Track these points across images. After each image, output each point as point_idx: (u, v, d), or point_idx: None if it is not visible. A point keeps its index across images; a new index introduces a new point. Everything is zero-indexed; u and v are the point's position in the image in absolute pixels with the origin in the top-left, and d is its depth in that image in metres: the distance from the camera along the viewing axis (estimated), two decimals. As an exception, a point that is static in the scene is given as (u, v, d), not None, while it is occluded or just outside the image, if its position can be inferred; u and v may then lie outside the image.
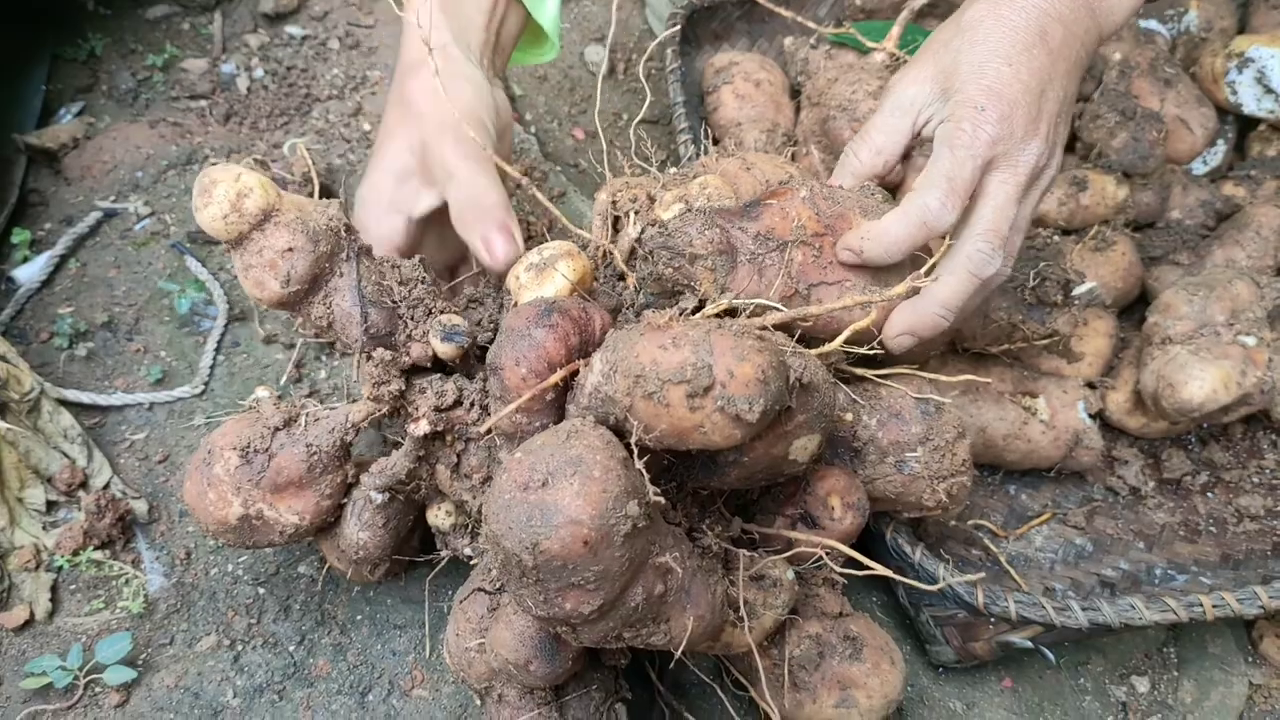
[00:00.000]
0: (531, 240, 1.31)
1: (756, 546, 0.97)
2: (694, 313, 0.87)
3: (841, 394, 1.00)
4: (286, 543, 1.01)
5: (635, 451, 0.74)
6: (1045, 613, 1.09)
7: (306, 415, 1.00)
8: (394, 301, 0.97)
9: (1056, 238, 1.45)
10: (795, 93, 1.62)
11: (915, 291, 0.90)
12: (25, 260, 1.42)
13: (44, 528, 1.17)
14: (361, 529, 1.03)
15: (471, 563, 1.04)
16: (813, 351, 0.84)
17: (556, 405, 0.85)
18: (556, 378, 0.82)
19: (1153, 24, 1.73)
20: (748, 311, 0.87)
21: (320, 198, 0.98)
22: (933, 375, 1.02)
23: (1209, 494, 1.38)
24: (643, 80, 1.49)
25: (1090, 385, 1.36)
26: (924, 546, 1.12)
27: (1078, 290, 1.25)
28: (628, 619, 0.78)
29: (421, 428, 0.96)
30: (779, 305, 0.87)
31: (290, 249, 0.91)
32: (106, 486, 1.21)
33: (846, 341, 0.86)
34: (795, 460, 0.85)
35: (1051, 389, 1.30)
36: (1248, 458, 1.40)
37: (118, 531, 1.17)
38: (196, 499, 0.98)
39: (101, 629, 1.11)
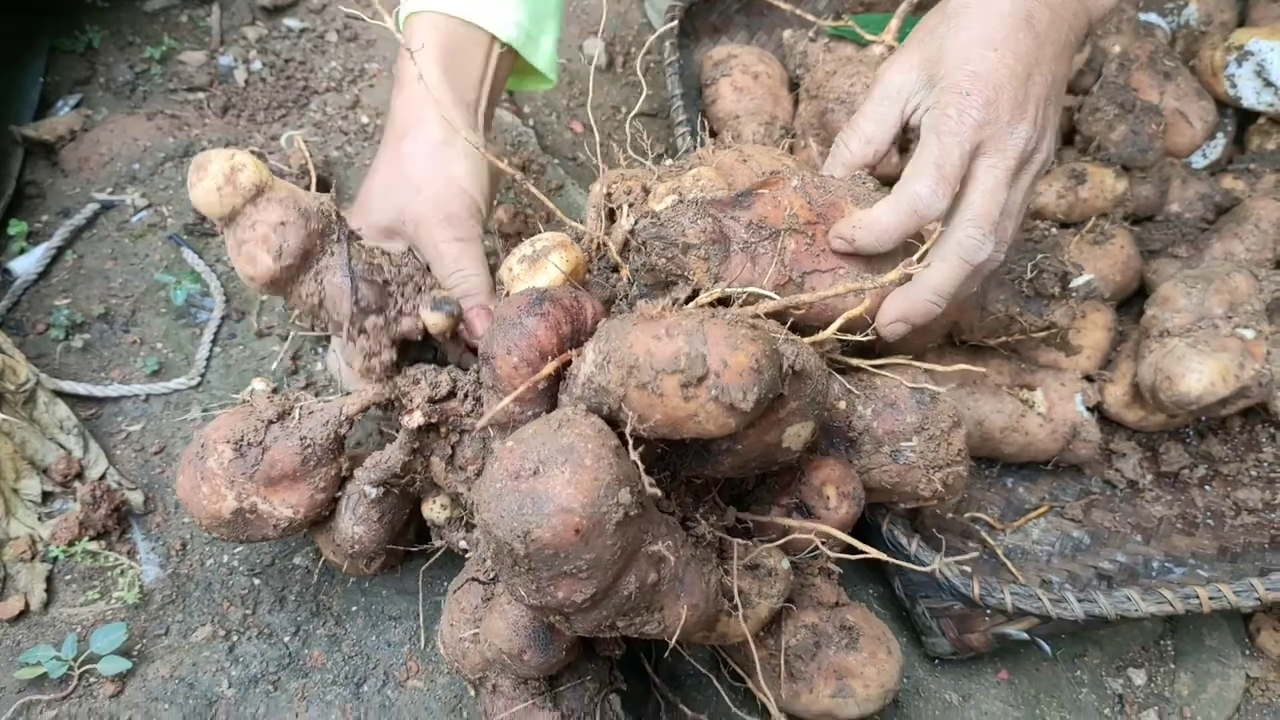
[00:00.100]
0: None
1: (751, 536, 0.97)
2: (687, 302, 0.87)
3: (836, 383, 1.00)
4: (281, 536, 1.01)
5: (630, 441, 0.74)
6: (1041, 604, 1.09)
7: (300, 408, 1.00)
8: (384, 280, 0.97)
9: (1055, 230, 1.45)
10: (794, 86, 1.62)
11: (908, 278, 0.89)
12: (22, 252, 1.42)
13: (39, 518, 1.17)
14: (356, 523, 1.02)
15: (466, 555, 1.04)
16: (806, 340, 0.84)
17: (549, 395, 0.85)
18: (550, 368, 0.82)
19: (1152, 17, 1.73)
20: (741, 300, 0.87)
21: (317, 190, 0.98)
22: (928, 365, 1.02)
23: (1206, 487, 1.38)
24: (640, 74, 1.49)
25: (1088, 378, 1.36)
26: (920, 538, 1.12)
27: (1076, 283, 1.25)
28: (621, 608, 0.78)
29: (415, 419, 0.96)
30: (772, 294, 0.87)
31: (283, 222, 0.91)
32: (102, 477, 1.21)
33: (840, 330, 0.86)
34: (789, 448, 0.85)
35: (1049, 381, 1.30)
36: (1245, 451, 1.40)
37: (113, 522, 1.17)
38: (190, 493, 0.97)
39: (96, 619, 1.11)
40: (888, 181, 0.98)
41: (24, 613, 1.11)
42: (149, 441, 1.27)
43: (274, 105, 1.67)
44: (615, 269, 0.98)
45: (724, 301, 0.88)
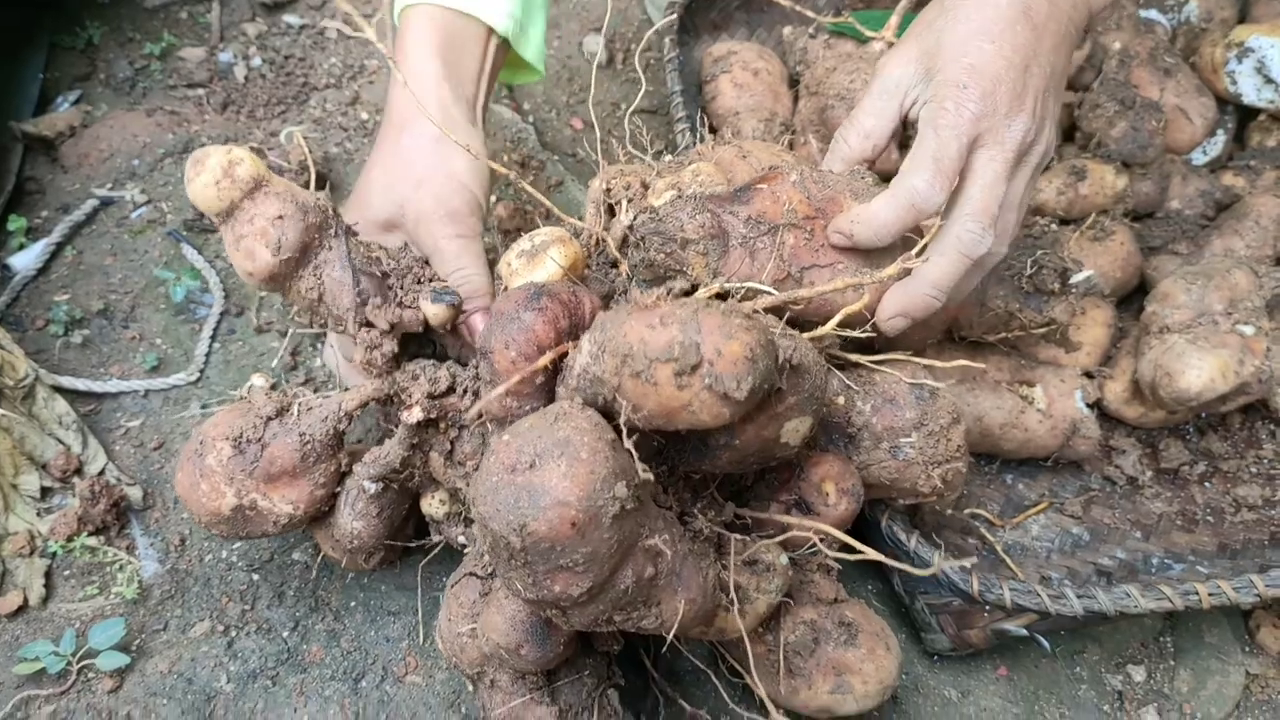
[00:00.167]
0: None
1: (750, 532, 0.97)
2: (685, 296, 0.87)
3: (835, 379, 0.99)
4: (280, 533, 1.01)
5: (625, 432, 0.74)
6: (1040, 600, 1.09)
7: (299, 404, 1.00)
8: (383, 272, 0.97)
9: (1055, 226, 1.45)
10: (794, 82, 1.61)
11: (907, 273, 0.89)
12: (21, 248, 1.42)
13: (38, 514, 1.17)
14: (355, 518, 1.02)
15: (465, 550, 1.04)
16: (806, 335, 0.84)
17: (546, 389, 0.85)
18: (546, 359, 0.81)
19: (1153, 13, 1.73)
20: (739, 295, 0.87)
21: (316, 187, 0.98)
22: (928, 361, 1.01)
23: (1206, 484, 1.38)
24: (640, 70, 1.48)
25: (1088, 374, 1.36)
26: (919, 535, 1.12)
27: (1075, 279, 1.24)
28: (618, 602, 0.78)
29: (414, 415, 0.95)
30: (770, 289, 0.87)
31: (280, 216, 0.91)
32: (101, 473, 1.21)
33: (840, 325, 0.86)
34: (787, 443, 0.85)
35: (1049, 378, 1.30)
36: (1245, 447, 1.40)
37: (112, 518, 1.17)
38: (189, 490, 0.97)
39: (95, 614, 1.11)
40: (887, 177, 0.97)
41: (23, 608, 1.11)
42: (148, 437, 1.27)
43: (274, 101, 1.67)
44: (614, 264, 0.98)
45: (722, 296, 0.87)
